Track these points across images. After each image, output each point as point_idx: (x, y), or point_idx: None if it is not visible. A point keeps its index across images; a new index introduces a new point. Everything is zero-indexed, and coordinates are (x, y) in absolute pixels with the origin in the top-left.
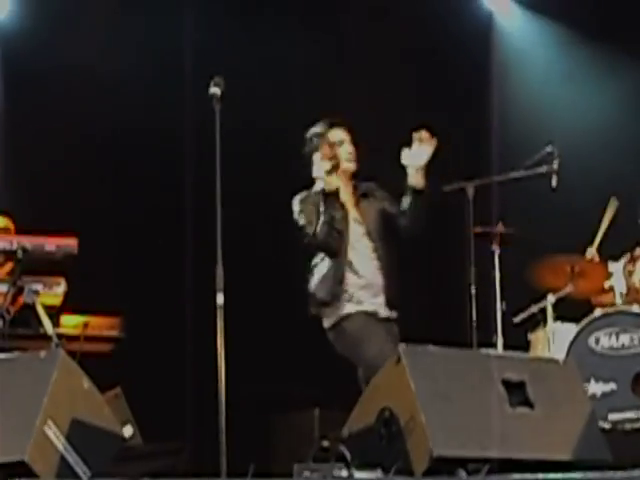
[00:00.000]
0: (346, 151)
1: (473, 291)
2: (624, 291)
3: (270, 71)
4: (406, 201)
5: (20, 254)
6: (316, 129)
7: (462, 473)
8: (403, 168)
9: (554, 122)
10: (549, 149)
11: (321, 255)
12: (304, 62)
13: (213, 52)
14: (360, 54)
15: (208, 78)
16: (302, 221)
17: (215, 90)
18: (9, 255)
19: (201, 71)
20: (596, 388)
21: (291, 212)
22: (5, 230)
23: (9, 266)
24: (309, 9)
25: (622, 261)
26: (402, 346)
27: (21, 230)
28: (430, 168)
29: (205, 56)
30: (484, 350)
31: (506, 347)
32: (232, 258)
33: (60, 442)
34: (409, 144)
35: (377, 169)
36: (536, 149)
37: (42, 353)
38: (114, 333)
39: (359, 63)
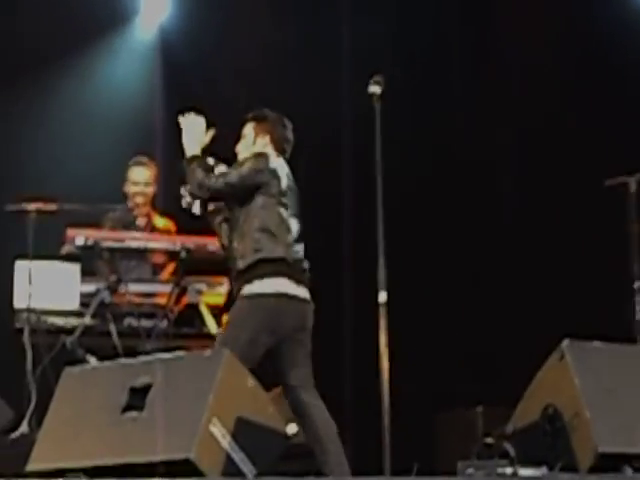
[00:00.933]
0: None
1: (637, 286)
2: None
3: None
4: None
5: (183, 254)
6: None
7: (628, 470)
8: None
9: None
10: None
11: None
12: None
13: (370, 49)
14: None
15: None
16: None
17: (375, 89)
18: (172, 256)
19: (359, 69)
20: None
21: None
22: (167, 231)
23: (172, 267)
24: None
25: None
26: (566, 342)
27: (183, 231)
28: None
29: (363, 54)
30: None
31: None
32: (393, 255)
33: (226, 440)
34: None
35: None
36: None
37: (207, 352)
38: None
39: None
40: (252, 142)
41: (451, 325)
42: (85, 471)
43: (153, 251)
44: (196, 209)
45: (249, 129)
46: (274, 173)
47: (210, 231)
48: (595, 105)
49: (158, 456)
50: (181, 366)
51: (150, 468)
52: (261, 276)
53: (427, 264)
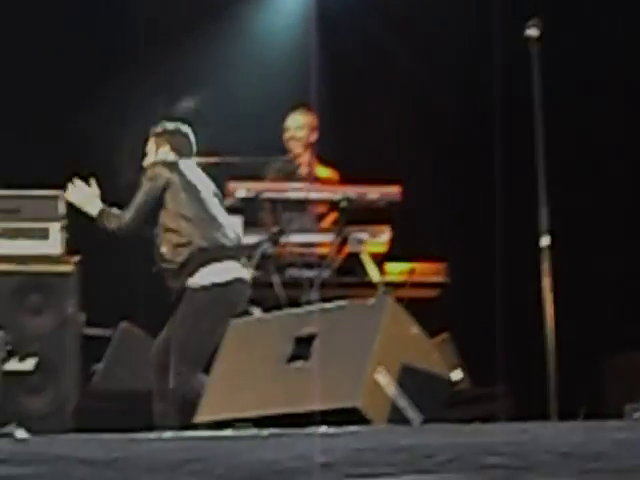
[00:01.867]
0: None
1: None
2: None
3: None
4: None
5: (344, 204)
6: None
7: None
8: None
9: None
10: None
11: None
12: None
13: None
14: None
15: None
16: None
17: (532, 32)
18: (333, 205)
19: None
20: None
21: None
22: (329, 180)
23: (333, 216)
24: None
25: None
26: None
27: (346, 179)
28: None
29: None
30: None
31: None
32: (557, 199)
33: (391, 388)
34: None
35: None
36: None
37: (370, 301)
38: (440, 278)
39: None
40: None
41: (617, 267)
42: (254, 421)
43: (314, 202)
44: None
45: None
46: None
47: (372, 180)
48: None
49: (325, 405)
50: (345, 315)
51: (317, 417)
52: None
53: (588, 207)
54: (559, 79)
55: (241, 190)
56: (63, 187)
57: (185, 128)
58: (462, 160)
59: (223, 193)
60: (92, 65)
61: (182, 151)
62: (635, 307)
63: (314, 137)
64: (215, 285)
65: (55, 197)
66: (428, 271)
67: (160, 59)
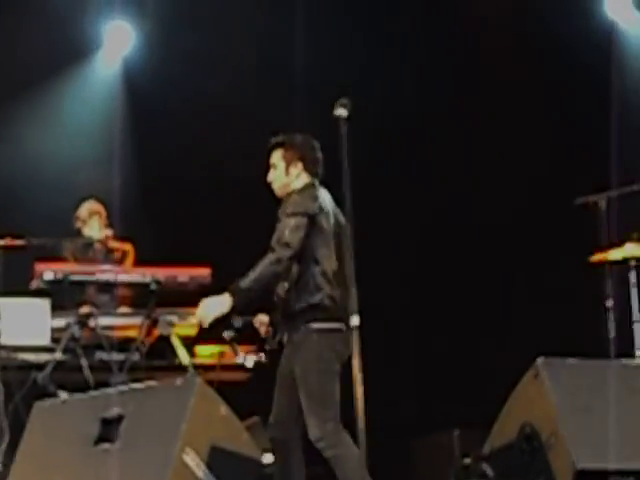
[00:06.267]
0: None
1: (610, 304)
2: None
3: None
4: None
5: (153, 286)
6: None
7: None
8: None
9: None
10: None
11: None
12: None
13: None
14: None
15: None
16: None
17: (341, 112)
18: (143, 287)
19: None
20: None
21: None
22: (122, 252)
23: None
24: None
25: None
26: (541, 360)
27: (153, 262)
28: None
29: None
30: (622, 360)
31: None
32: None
33: (200, 469)
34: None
35: None
36: None
37: (179, 381)
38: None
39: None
40: (284, 172)
41: (423, 348)
42: None
43: (123, 284)
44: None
45: (278, 157)
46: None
47: (179, 262)
48: (565, 123)
49: None
50: (153, 396)
51: None
52: None
53: (397, 287)
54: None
55: (49, 272)
56: None
57: (313, 139)
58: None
59: (30, 276)
60: None
61: (315, 169)
62: (441, 389)
63: (104, 221)
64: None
65: None
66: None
67: None
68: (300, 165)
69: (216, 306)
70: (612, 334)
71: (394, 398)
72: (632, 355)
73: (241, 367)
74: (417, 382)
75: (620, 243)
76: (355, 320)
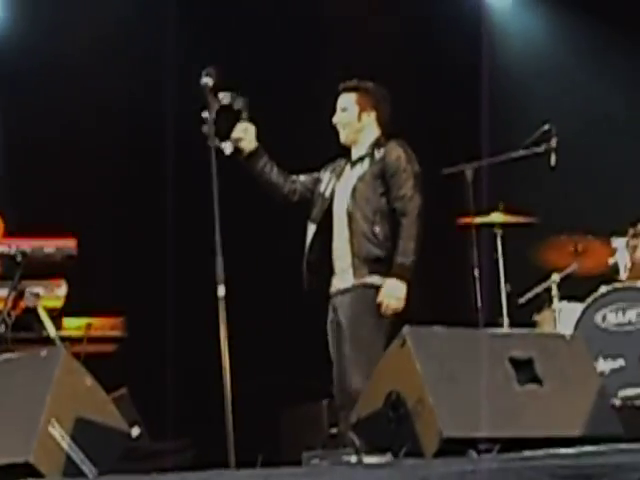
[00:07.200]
0: None
1: (477, 274)
2: (629, 266)
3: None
4: None
5: (19, 258)
6: None
7: (473, 453)
8: None
9: (552, 103)
10: (546, 127)
11: None
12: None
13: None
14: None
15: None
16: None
17: (207, 80)
18: (8, 258)
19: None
20: (605, 365)
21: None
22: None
23: None
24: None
25: (625, 237)
26: (407, 328)
27: (19, 232)
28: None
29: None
30: (490, 329)
31: (513, 328)
32: (232, 249)
33: (65, 441)
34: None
35: None
36: (534, 129)
37: (43, 352)
38: (117, 333)
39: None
40: (356, 117)
41: (293, 317)
42: None
43: None
44: (227, 148)
45: (350, 101)
46: None
47: (47, 232)
48: (434, 94)
49: None
50: (18, 367)
51: None
52: None
53: (263, 257)
54: None
55: None
56: None
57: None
58: (136, 212)
59: None
60: None
61: (386, 125)
62: (309, 359)
63: None
64: None
65: None
66: (105, 326)
67: None
68: (373, 114)
69: (401, 291)
70: (480, 303)
71: (262, 368)
72: (499, 326)
73: (108, 339)
74: (287, 353)
75: (487, 212)
76: (221, 290)
